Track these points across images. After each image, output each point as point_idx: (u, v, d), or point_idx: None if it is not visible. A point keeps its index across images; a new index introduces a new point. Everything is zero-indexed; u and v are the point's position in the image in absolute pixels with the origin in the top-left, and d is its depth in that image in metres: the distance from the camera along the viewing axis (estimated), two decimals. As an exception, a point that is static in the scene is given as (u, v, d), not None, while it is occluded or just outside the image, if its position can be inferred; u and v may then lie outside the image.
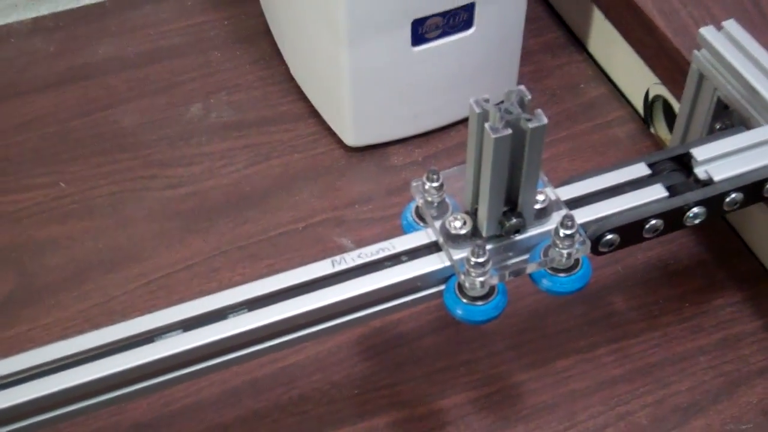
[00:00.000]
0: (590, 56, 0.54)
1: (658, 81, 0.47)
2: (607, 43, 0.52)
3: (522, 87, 0.28)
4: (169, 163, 0.49)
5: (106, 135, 0.51)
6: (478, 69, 0.47)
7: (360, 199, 0.47)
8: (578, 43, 0.55)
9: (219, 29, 0.57)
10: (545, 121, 0.27)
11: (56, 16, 0.59)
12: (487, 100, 0.28)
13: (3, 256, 0.46)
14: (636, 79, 0.50)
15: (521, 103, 0.28)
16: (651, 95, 0.49)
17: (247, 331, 0.29)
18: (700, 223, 0.33)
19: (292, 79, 0.53)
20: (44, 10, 0.59)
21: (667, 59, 0.44)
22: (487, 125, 0.28)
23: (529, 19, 0.50)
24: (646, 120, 0.50)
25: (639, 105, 0.50)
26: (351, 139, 0.48)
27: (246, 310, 0.29)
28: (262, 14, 0.56)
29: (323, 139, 0.50)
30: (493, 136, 0.27)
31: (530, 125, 0.27)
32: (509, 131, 0.27)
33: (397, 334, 0.42)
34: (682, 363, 0.41)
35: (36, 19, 0.58)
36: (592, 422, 0.39)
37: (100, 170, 0.49)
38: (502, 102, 0.28)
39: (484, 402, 0.39)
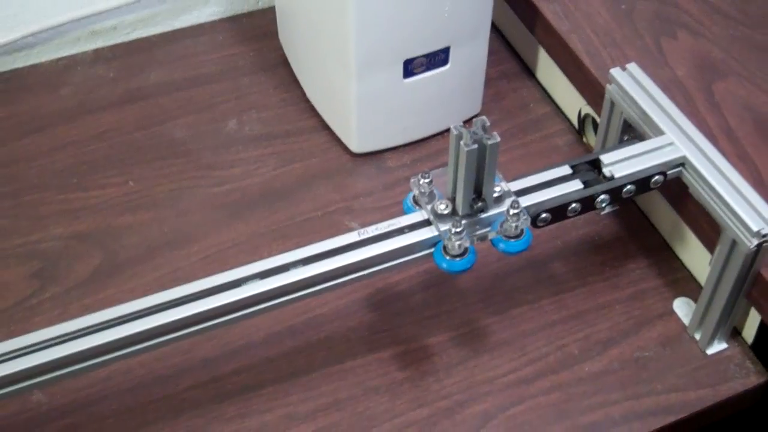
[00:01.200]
0: (538, 82, 0.69)
1: (586, 103, 0.62)
2: (550, 73, 0.67)
3: (484, 117, 0.43)
4: (214, 167, 0.64)
5: (162, 144, 0.65)
6: (452, 94, 0.62)
7: (364, 192, 0.62)
8: (528, 72, 0.70)
9: (246, 60, 0.71)
10: (498, 139, 0.42)
11: (113, 48, 0.73)
12: (460, 126, 0.43)
13: (90, 238, 0.60)
14: (572, 101, 0.65)
15: (484, 128, 0.42)
16: (582, 114, 0.64)
17: (303, 279, 0.44)
18: (606, 206, 0.48)
19: (307, 100, 0.67)
20: (102, 43, 0.73)
21: (591, 88, 0.59)
22: (461, 142, 0.42)
23: (491, 52, 0.64)
24: (580, 132, 0.65)
25: (574, 121, 0.65)
26: (355, 147, 0.63)
27: (301, 265, 0.44)
28: (280, 48, 0.71)
29: (333, 147, 0.65)
30: (466, 149, 0.42)
31: (489, 142, 0.42)
32: (476, 146, 0.42)
33: (396, 292, 0.56)
34: (603, 310, 0.56)
35: (96, 51, 0.72)
36: (537, 352, 0.54)
37: (160, 172, 0.63)
38: (470, 127, 0.43)
39: (460, 339, 0.54)
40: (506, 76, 0.70)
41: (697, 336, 0.54)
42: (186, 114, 0.67)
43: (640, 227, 0.60)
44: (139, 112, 0.67)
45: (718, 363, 0.53)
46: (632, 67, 0.54)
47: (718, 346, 0.54)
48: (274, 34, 0.71)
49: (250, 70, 0.70)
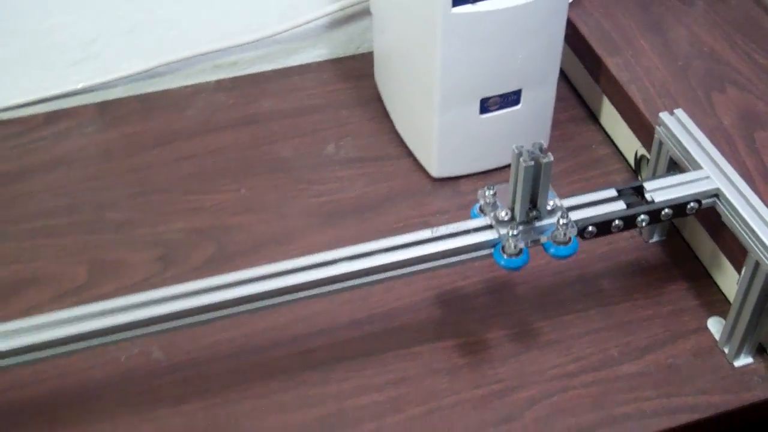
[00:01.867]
0: (601, 127, 0.78)
1: (641, 146, 0.70)
2: (611, 118, 0.76)
3: (541, 141, 0.52)
4: (313, 182, 0.74)
5: (271, 161, 0.76)
6: (522, 131, 0.71)
7: (440, 211, 0.71)
8: (593, 118, 0.79)
9: (346, 95, 0.82)
10: (552, 159, 0.51)
11: (232, 80, 0.84)
12: (521, 146, 0.52)
13: (205, 233, 0.70)
14: (629, 144, 0.73)
15: (540, 149, 0.52)
16: (638, 155, 0.72)
17: (384, 264, 0.53)
18: (646, 225, 0.56)
19: (395, 131, 0.77)
20: (223, 75, 0.85)
21: (645, 131, 0.68)
22: (521, 159, 0.52)
23: (562, 98, 0.74)
24: (636, 171, 0.73)
25: (631, 161, 0.74)
26: (435, 172, 0.73)
27: (384, 252, 0.53)
28: (375, 86, 0.81)
29: (416, 172, 0.74)
30: (524, 165, 0.51)
31: (544, 161, 0.51)
32: (533, 163, 0.51)
33: (462, 294, 0.65)
34: (644, 322, 0.63)
35: (218, 81, 0.84)
36: (581, 353, 0.61)
37: (268, 183, 0.74)
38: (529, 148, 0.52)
39: (514, 336, 0.62)
40: (573, 120, 0.79)
41: (726, 349, 0.61)
42: (292, 137, 0.78)
43: (683, 256, 0.68)
44: (252, 134, 0.79)
45: (743, 374, 0.60)
46: (679, 112, 0.62)
47: (744, 360, 0.61)
48: (370, 75, 0.82)
49: (349, 104, 0.81)
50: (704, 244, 0.66)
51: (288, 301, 0.53)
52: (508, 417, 0.58)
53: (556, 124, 0.76)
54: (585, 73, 0.78)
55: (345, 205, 0.72)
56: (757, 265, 0.55)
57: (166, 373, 0.60)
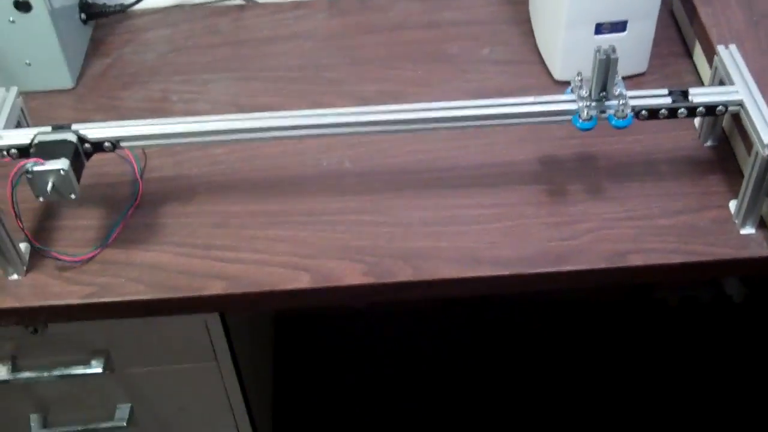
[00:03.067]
0: (692, 61, 1.02)
1: (713, 74, 0.95)
2: (699, 54, 1.00)
3: (613, 45, 0.79)
4: (468, 71, 1.03)
5: (442, 55, 1.06)
6: (626, 53, 0.94)
7: (555, 103, 0.99)
8: (688, 54, 1.03)
9: (506, 15, 1.10)
10: (618, 56, 0.78)
11: (425, -5, 1.15)
12: (600, 47, 0.79)
13: (390, 95, 1.01)
14: (706, 73, 0.97)
15: (612, 49, 0.78)
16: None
17: (505, 113, 0.82)
18: (685, 117, 0.82)
19: (536, 44, 1.05)
20: (419, -8, 1.15)
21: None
22: (597, 54, 0.78)
23: (665, 37, 0.99)
24: (709, 95, 0.98)
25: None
26: (558, 75, 1.00)
27: (502, 105, 0.82)
28: (528, 11, 1.09)
29: (543, 75, 1.01)
30: (599, 58, 0.78)
31: (612, 56, 0.78)
32: (605, 57, 0.78)
33: (556, 153, 0.93)
34: (684, 196, 0.88)
35: (415, -5, 1.15)
36: (632, 206, 0.87)
37: (437, 69, 1.04)
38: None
39: (587, 189, 0.89)
40: (673, 54, 1.04)
41: (737, 221, 0.86)
42: (460, 40, 1.07)
43: (726, 156, 0.91)
44: (432, 35, 1.08)
45: (745, 238, 0.84)
46: (732, 47, 0.87)
47: (749, 230, 0.85)
48: (526, 2, 1.10)
49: (507, 22, 1.09)
50: (740, 149, 0.90)
51: (433, 128, 0.83)
52: (570, 236, 0.86)
53: (658, 55, 1.01)
54: (685, 18, 1.02)
55: (487, 91, 1.00)
56: (757, 154, 0.80)
57: (352, 175, 0.92)
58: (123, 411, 0.98)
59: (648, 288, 1.56)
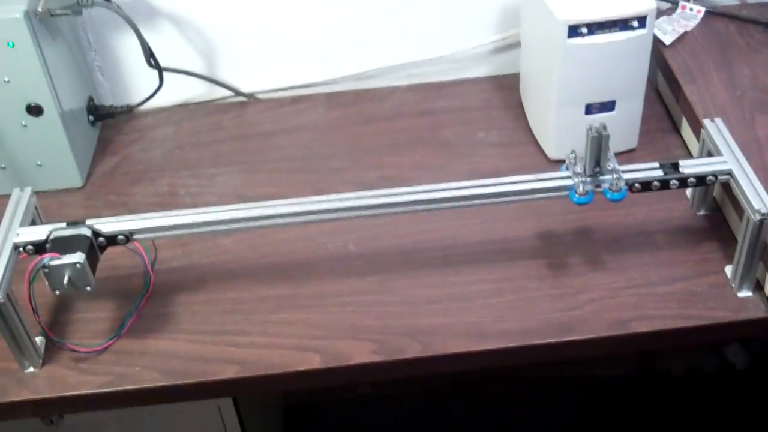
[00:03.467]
0: (680, 136, 1.06)
1: (700, 146, 0.99)
2: (686, 130, 1.04)
3: (604, 122, 0.83)
4: (465, 155, 1.07)
5: (438, 140, 1.10)
6: (616, 131, 0.99)
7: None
8: (676, 129, 1.08)
9: (498, 100, 1.15)
10: (609, 134, 0.82)
11: (419, 85, 1.19)
12: (592, 125, 0.83)
13: (390, 180, 1.05)
14: (695, 147, 1.01)
15: (603, 127, 0.82)
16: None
17: (505, 191, 0.85)
18: (677, 188, 0.85)
19: (528, 127, 1.09)
20: (414, 81, 1.20)
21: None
22: (589, 132, 0.82)
23: (653, 114, 1.03)
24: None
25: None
26: (551, 155, 1.04)
27: (502, 184, 0.86)
28: (519, 95, 1.14)
29: (537, 155, 1.06)
30: (591, 135, 0.82)
31: (604, 134, 0.82)
32: (597, 134, 0.82)
33: (554, 229, 0.96)
34: (681, 264, 0.91)
35: (409, 85, 1.20)
36: (632, 276, 0.90)
37: (434, 153, 1.08)
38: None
39: (587, 262, 0.92)
40: (661, 130, 1.08)
41: (733, 285, 0.88)
42: (455, 126, 1.12)
43: (719, 224, 0.95)
44: (427, 121, 1.13)
45: (742, 300, 0.87)
46: (717, 120, 0.91)
47: (746, 293, 0.87)
48: (516, 88, 1.15)
49: (499, 107, 1.14)
50: (732, 216, 0.93)
51: (431, 209, 0.86)
52: (573, 307, 0.88)
53: (647, 131, 1.05)
54: (671, 96, 1.07)
55: (484, 173, 1.03)
56: (748, 220, 0.83)
57: (357, 257, 0.95)
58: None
59: (650, 360, 1.56)
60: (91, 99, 1.12)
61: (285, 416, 1.57)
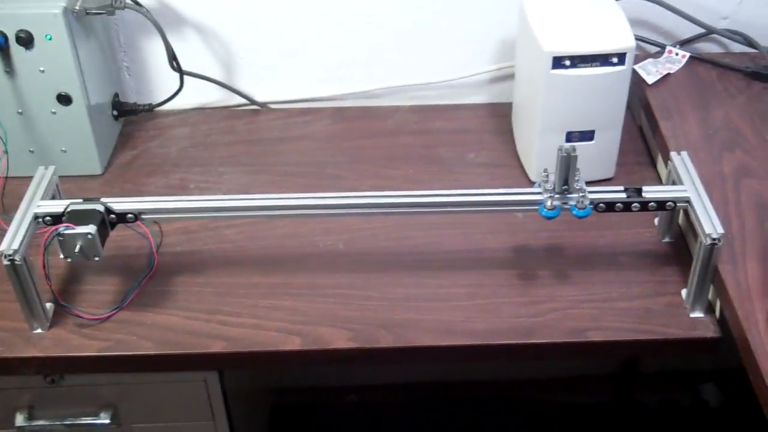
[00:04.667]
0: (656, 169, 1.14)
1: (670, 178, 1.06)
2: (660, 163, 1.12)
3: (573, 144, 0.91)
4: (455, 173, 1.15)
5: (432, 158, 1.18)
6: (594, 160, 1.09)
7: (530, 201, 1.10)
8: (653, 163, 1.16)
9: (491, 126, 1.23)
10: (577, 154, 0.90)
11: (420, 106, 1.28)
12: (563, 146, 0.91)
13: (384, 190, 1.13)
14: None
15: (572, 148, 0.90)
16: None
17: (480, 201, 0.93)
18: (638, 210, 0.93)
19: (516, 151, 1.17)
20: (415, 102, 1.29)
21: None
22: (559, 152, 0.90)
23: (632, 148, 1.11)
24: (668, 198, 1.09)
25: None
26: (533, 177, 1.12)
27: (479, 195, 0.94)
28: (510, 123, 1.22)
29: (521, 177, 1.14)
30: (560, 155, 0.90)
31: (573, 155, 0.90)
32: (565, 155, 0.90)
33: (528, 246, 1.04)
34: (641, 283, 0.98)
35: (411, 106, 1.29)
36: (593, 291, 0.97)
37: (427, 170, 1.16)
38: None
39: (554, 275, 1.00)
40: (638, 163, 1.16)
41: (687, 306, 0.95)
42: (449, 146, 1.20)
43: (681, 251, 1.02)
44: (424, 140, 1.22)
45: (694, 321, 0.94)
46: (683, 154, 0.99)
47: (698, 314, 0.94)
48: (509, 115, 1.23)
49: (491, 131, 1.22)
50: (693, 244, 1.01)
51: (412, 212, 0.95)
52: (537, 314, 0.95)
53: (625, 163, 1.13)
54: (650, 131, 1.15)
55: (470, 188, 1.12)
56: (701, 244, 0.90)
57: (345, 256, 1.03)
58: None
59: (629, 390, 1.63)
60: (116, 95, 1.22)
61: (271, 419, 1.64)
